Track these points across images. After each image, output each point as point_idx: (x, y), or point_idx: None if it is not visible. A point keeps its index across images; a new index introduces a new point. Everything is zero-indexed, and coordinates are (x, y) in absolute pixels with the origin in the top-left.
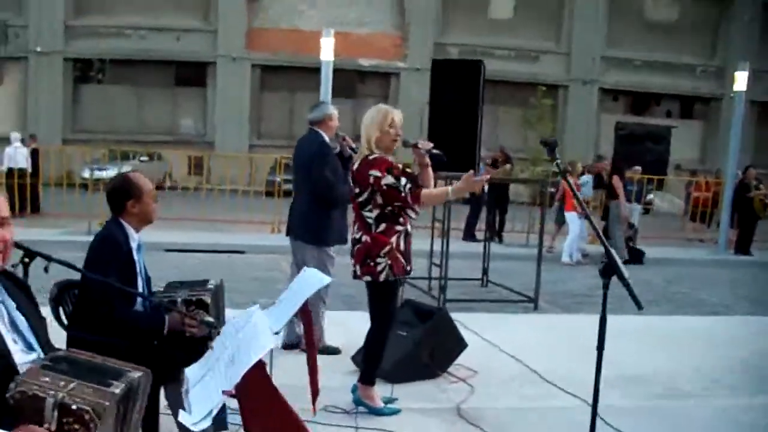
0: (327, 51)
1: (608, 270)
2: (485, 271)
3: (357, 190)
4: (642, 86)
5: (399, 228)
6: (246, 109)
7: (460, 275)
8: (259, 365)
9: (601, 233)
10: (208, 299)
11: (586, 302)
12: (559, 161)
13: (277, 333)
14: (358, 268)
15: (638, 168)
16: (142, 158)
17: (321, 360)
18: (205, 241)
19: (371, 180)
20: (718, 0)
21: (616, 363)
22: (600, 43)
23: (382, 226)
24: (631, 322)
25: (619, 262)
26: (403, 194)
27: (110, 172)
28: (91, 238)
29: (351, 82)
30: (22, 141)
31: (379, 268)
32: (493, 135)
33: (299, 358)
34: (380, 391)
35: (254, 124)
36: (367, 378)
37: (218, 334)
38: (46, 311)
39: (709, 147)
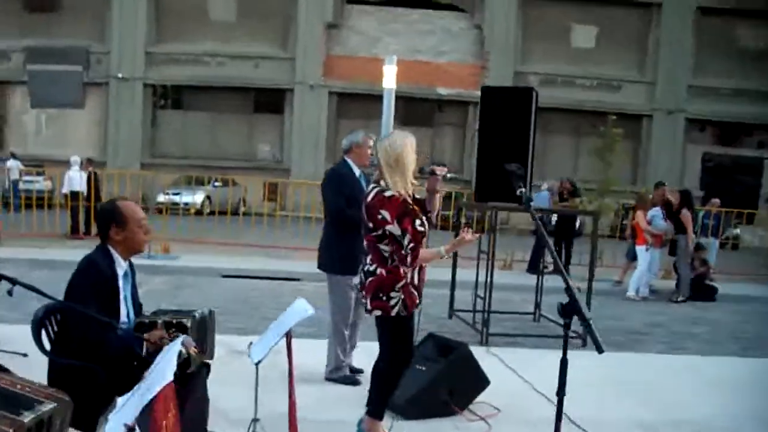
0: (389, 78)
1: (568, 309)
2: (538, 305)
3: (370, 225)
4: (731, 116)
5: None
6: (323, 136)
7: (518, 308)
8: (164, 398)
9: (558, 261)
10: (188, 323)
11: (641, 340)
12: (523, 190)
13: (258, 363)
14: (368, 301)
15: (717, 201)
16: (215, 183)
17: (338, 389)
18: (265, 267)
19: (379, 219)
20: None
21: (664, 404)
22: (686, 71)
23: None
24: (689, 362)
25: (581, 301)
26: (403, 252)
27: (184, 197)
28: (151, 262)
29: (429, 110)
30: (81, 164)
31: (392, 302)
32: (573, 165)
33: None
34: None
35: (330, 152)
36: (375, 413)
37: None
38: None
39: None
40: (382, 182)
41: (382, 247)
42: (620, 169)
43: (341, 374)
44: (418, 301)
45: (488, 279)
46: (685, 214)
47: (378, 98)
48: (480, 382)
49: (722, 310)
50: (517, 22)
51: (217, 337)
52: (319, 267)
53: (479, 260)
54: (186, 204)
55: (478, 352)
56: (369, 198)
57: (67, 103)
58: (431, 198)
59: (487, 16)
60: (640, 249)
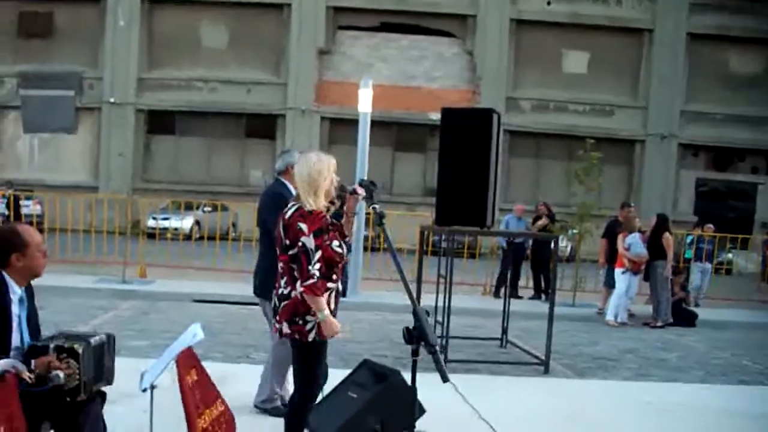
0: (365, 102)
1: (414, 334)
2: (504, 331)
3: (287, 242)
4: (724, 141)
5: (331, 285)
6: None
7: (489, 334)
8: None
9: (404, 278)
10: (80, 349)
11: (609, 367)
12: (376, 206)
13: (146, 389)
14: (285, 326)
15: (711, 226)
16: (205, 209)
17: (265, 420)
18: (242, 293)
19: (297, 229)
20: None
21: None
22: (679, 97)
23: None
24: (637, 390)
25: (429, 329)
26: (309, 268)
27: (174, 222)
28: (123, 287)
29: (422, 136)
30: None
31: (308, 327)
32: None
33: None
34: None
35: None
36: None
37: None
38: None
39: None
40: (311, 204)
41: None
42: (611, 194)
43: (272, 405)
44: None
45: (446, 303)
46: (667, 238)
47: (371, 123)
48: (415, 410)
49: (699, 336)
50: (509, 48)
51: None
52: (258, 294)
53: (438, 284)
54: (175, 229)
55: (434, 378)
56: (287, 215)
57: (59, 128)
58: (347, 220)
59: (479, 41)
60: (617, 272)
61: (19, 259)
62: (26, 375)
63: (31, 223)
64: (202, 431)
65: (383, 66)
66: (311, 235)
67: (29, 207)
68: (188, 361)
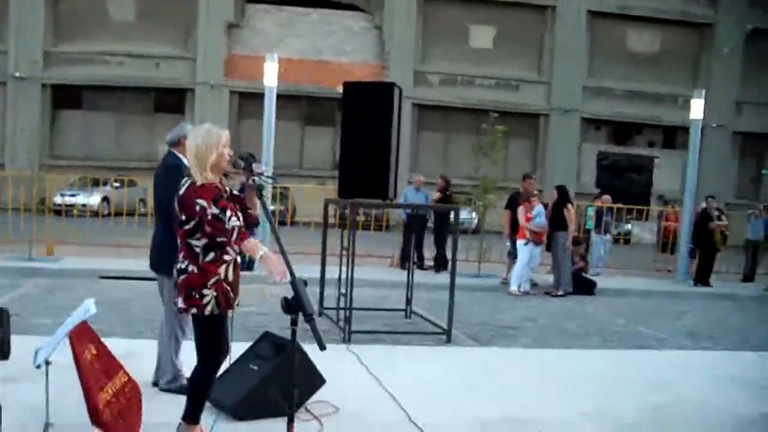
0: (271, 76)
1: (292, 304)
2: (408, 302)
3: (183, 218)
4: (624, 116)
5: (228, 258)
6: None
7: (395, 305)
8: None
9: (282, 247)
10: None
11: (509, 335)
12: (255, 179)
13: (40, 365)
14: (180, 300)
15: (608, 197)
16: (114, 184)
17: (169, 398)
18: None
19: (197, 209)
20: (699, 31)
21: (501, 402)
22: (581, 73)
23: (211, 256)
24: (537, 357)
25: (306, 296)
26: (228, 230)
27: (82, 198)
28: (29, 264)
29: (331, 110)
30: None
31: (205, 300)
32: (475, 164)
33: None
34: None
35: (233, 150)
36: (190, 416)
37: None
38: None
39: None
40: (198, 177)
41: (194, 242)
42: (516, 166)
43: (178, 384)
44: (235, 300)
45: (349, 275)
46: (569, 210)
47: (279, 98)
48: (314, 380)
49: (599, 304)
50: (417, 23)
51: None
52: (153, 268)
53: (342, 256)
54: (83, 205)
55: (337, 349)
56: (182, 191)
57: None
58: (250, 194)
59: (387, 16)
60: (519, 243)
61: None
62: None
63: None
64: (106, 403)
65: (293, 40)
66: (212, 205)
67: None
68: (84, 335)
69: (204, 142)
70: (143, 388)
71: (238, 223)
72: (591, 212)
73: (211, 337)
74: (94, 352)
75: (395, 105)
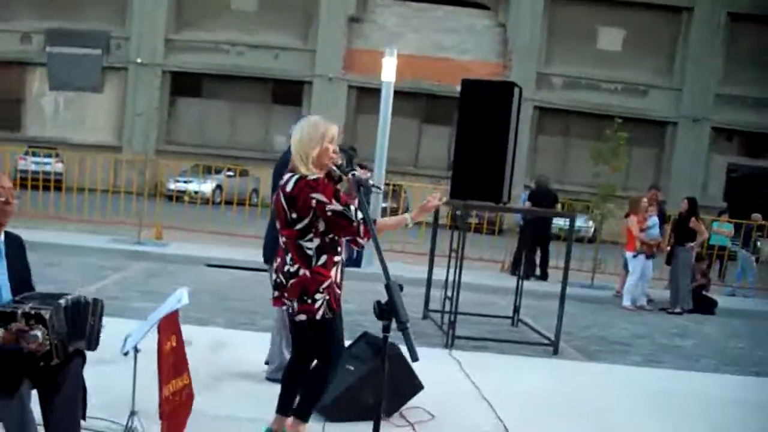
0: (388, 72)
1: (385, 309)
2: (516, 309)
3: (293, 216)
4: (758, 126)
5: (337, 259)
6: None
7: (502, 312)
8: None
9: (384, 263)
10: (47, 315)
11: (619, 351)
12: (355, 172)
13: (128, 353)
14: (295, 304)
15: (758, 216)
16: (227, 173)
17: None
18: (256, 259)
19: (313, 204)
20: None
21: (603, 421)
22: (714, 79)
23: (323, 259)
24: (645, 375)
25: (400, 302)
26: (354, 225)
27: (194, 185)
28: (136, 248)
29: (450, 109)
30: None
31: (317, 305)
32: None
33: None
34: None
35: (348, 145)
36: (302, 415)
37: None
38: None
39: None
40: (303, 170)
41: (305, 243)
42: (639, 175)
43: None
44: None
45: (456, 279)
46: (698, 222)
47: (397, 94)
48: (411, 386)
49: (717, 324)
50: (543, 22)
51: None
52: (266, 259)
53: (450, 259)
54: (196, 192)
55: (439, 354)
56: (290, 187)
57: (85, 87)
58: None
59: (512, 14)
60: (629, 255)
61: None
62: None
63: (49, 181)
64: (164, 400)
65: (414, 36)
66: (333, 201)
67: (50, 165)
68: (170, 326)
69: (308, 134)
70: (224, 378)
71: (361, 215)
72: (728, 228)
73: (324, 340)
74: (174, 344)
75: (515, 105)
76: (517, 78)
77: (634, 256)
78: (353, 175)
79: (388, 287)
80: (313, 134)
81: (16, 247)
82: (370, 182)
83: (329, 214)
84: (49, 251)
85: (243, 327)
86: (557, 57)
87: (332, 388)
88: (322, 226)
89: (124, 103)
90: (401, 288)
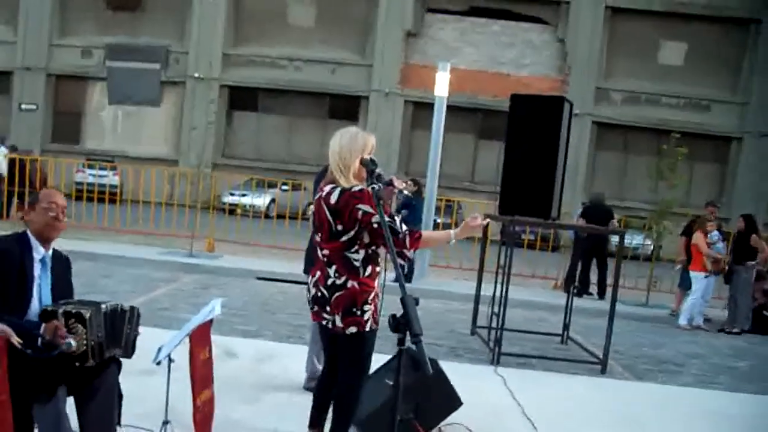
0: (442, 86)
1: (400, 322)
2: (566, 327)
3: (339, 228)
4: None
5: (379, 269)
6: (396, 144)
7: (552, 329)
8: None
9: (401, 276)
10: (87, 314)
11: (670, 371)
12: (375, 186)
13: (160, 362)
14: (339, 318)
15: None
16: (283, 187)
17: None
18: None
19: (359, 216)
20: None
21: None
22: None
23: (369, 269)
24: (695, 397)
25: (415, 315)
26: (400, 236)
27: (248, 199)
28: (189, 260)
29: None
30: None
31: (365, 317)
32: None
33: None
34: None
35: (403, 160)
36: (339, 430)
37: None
38: None
39: None
40: (344, 182)
41: (351, 255)
42: (700, 192)
43: (312, 385)
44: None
45: (503, 295)
46: (758, 241)
47: (450, 108)
48: (450, 401)
49: None
50: (603, 37)
51: (217, 338)
52: (307, 271)
53: (497, 274)
54: (251, 206)
55: (484, 371)
56: (333, 199)
57: (144, 101)
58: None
59: (571, 29)
60: (696, 275)
61: (28, 213)
62: (15, 340)
63: (105, 193)
64: (196, 408)
65: (471, 51)
66: (377, 211)
67: (108, 177)
68: (203, 337)
69: (348, 145)
70: (268, 390)
71: (405, 226)
72: None
73: (362, 353)
74: (207, 355)
75: (564, 120)
76: (576, 93)
77: (705, 277)
78: (373, 188)
79: (403, 301)
80: (354, 146)
81: (62, 264)
82: (401, 189)
83: (375, 225)
84: (103, 262)
85: (290, 340)
86: (617, 71)
87: (370, 401)
88: (366, 238)
89: (181, 117)
90: (417, 302)
